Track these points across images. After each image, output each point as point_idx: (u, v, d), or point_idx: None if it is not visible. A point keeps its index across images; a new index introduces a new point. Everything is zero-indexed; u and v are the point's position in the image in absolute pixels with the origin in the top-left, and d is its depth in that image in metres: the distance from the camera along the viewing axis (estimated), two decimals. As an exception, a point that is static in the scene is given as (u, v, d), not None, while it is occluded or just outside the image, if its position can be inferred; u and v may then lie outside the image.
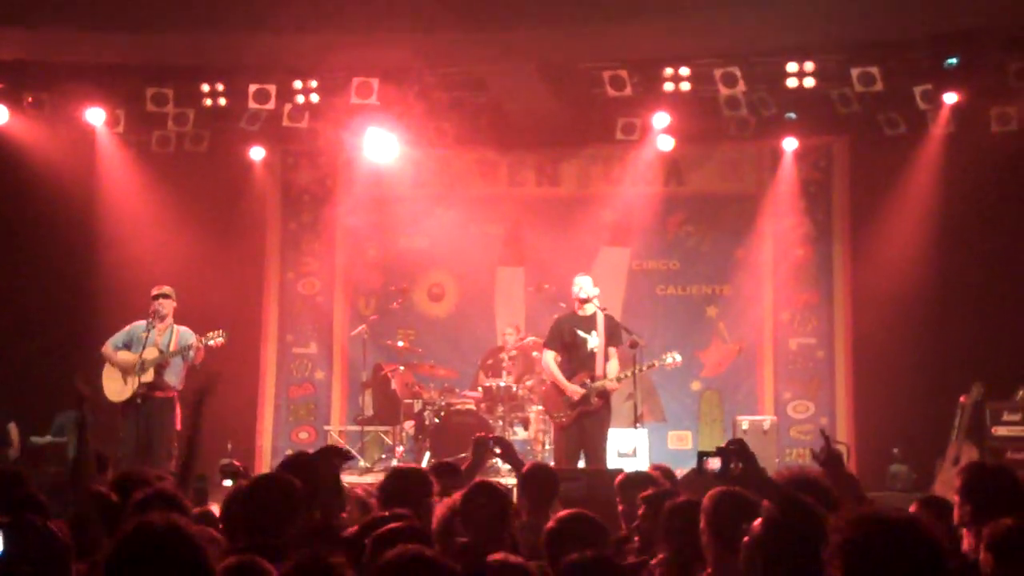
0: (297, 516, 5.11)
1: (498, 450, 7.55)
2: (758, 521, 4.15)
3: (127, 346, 11.57)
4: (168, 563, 3.45)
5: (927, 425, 13.32)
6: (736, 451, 4.75)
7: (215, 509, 6.33)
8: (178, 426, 11.43)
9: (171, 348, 11.46)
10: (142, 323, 11.63)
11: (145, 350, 11.42)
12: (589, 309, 11.60)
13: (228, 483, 7.43)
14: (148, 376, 11.34)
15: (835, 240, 15.07)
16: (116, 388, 11.41)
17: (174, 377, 11.48)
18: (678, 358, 11.90)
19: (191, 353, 11.45)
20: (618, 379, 11.53)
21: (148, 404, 11.28)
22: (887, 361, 13.90)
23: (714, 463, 4.64)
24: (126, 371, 11.37)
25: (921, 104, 12.98)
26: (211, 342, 11.47)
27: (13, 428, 13.74)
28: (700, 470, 4.65)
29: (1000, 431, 12.76)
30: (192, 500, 6.46)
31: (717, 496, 4.76)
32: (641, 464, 12.33)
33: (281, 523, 4.99)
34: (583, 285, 11.64)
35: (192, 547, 3.50)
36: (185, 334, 11.58)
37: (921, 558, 3.33)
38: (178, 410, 11.39)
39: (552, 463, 12.32)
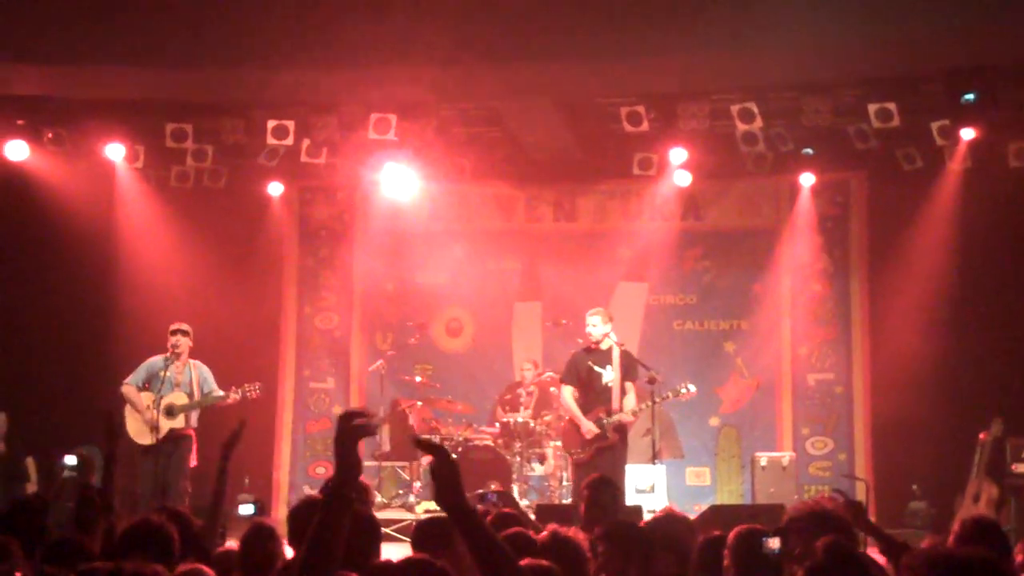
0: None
1: None
2: (802, 569, 4.11)
3: (147, 383, 11.63)
4: None
5: (947, 462, 13.25)
6: (796, 530, 4.71)
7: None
8: (193, 462, 11.50)
9: (193, 385, 11.55)
10: (159, 359, 11.72)
11: (172, 394, 11.49)
12: (605, 344, 11.59)
13: (247, 511, 7.43)
14: (178, 423, 11.44)
15: (853, 275, 15.04)
16: (138, 428, 11.48)
17: (195, 420, 11.57)
18: (692, 388, 11.82)
19: (217, 397, 11.59)
20: (633, 413, 11.50)
21: (167, 443, 11.33)
22: (906, 397, 13.83)
23: (774, 543, 4.56)
24: (150, 420, 11.41)
25: (938, 140, 12.96)
26: (248, 394, 11.59)
27: (30, 462, 13.74)
28: (761, 550, 4.56)
29: (1021, 468, 12.68)
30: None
31: (742, 533, 4.73)
32: (659, 501, 12.32)
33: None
34: (594, 322, 11.63)
35: None
36: (202, 370, 11.68)
37: None
38: (194, 448, 11.44)
39: (569, 500, 12.33)
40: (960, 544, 5.13)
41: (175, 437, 11.33)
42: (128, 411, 11.62)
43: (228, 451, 6.71)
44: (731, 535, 4.78)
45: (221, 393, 11.62)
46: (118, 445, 7.07)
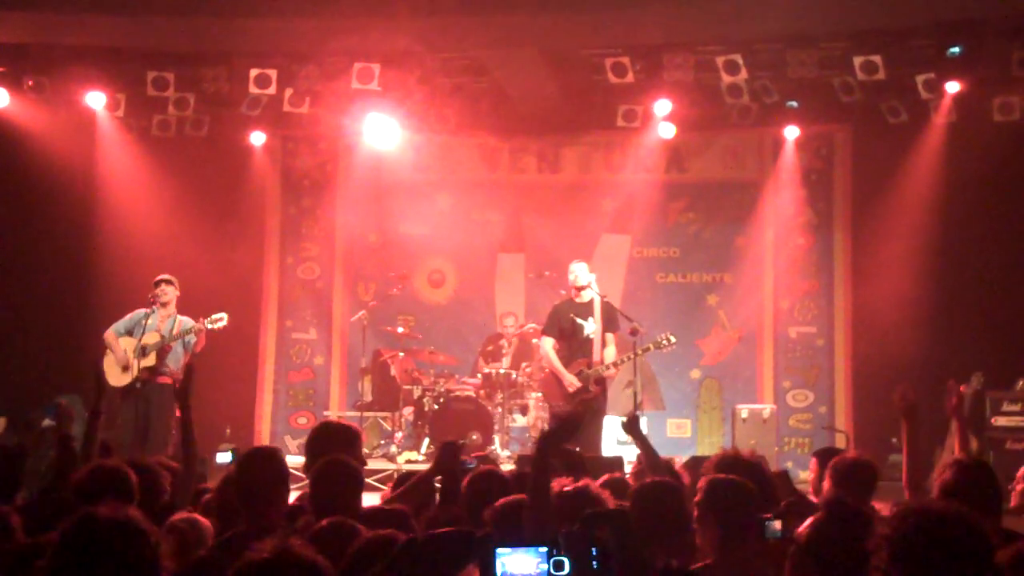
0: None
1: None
2: (805, 525, 4.12)
3: (129, 332, 11.54)
4: (114, 556, 3.42)
5: (927, 415, 13.16)
6: (797, 512, 4.71)
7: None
8: (177, 412, 11.43)
9: (173, 334, 11.44)
10: (143, 310, 11.61)
11: (146, 335, 11.41)
12: (586, 295, 11.60)
13: (224, 459, 7.43)
14: (149, 360, 11.32)
15: (836, 228, 15.05)
16: (116, 373, 11.39)
17: (175, 363, 11.45)
18: (673, 339, 11.74)
19: (192, 338, 11.44)
20: (615, 364, 11.51)
21: (147, 389, 11.26)
22: (887, 350, 13.87)
23: (776, 525, 4.56)
24: (123, 359, 11.33)
25: (923, 93, 12.95)
26: (213, 325, 11.46)
27: (1, 421, 13.65)
28: (764, 533, 4.56)
29: (1000, 421, 12.77)
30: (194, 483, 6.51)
31: (717, 484, 4.73)
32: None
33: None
34: (578, 272, 11.64)
35: (139, 540, 3.46)
36: (187, 322, 11.55)
37: (968, 551, 3.30)
38: None
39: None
40: (946, 494, 5.11)
41: (158, 384, 11.24)
42: (107, 357, 11.54)
43: (183, 401, 6.70)
44: (701, 483, 4.78)
45: (188, 323, 11.48)
46: (103, 399, 7.05)
